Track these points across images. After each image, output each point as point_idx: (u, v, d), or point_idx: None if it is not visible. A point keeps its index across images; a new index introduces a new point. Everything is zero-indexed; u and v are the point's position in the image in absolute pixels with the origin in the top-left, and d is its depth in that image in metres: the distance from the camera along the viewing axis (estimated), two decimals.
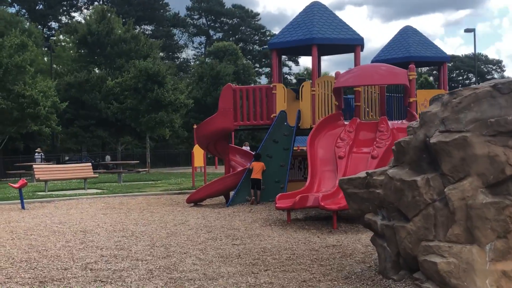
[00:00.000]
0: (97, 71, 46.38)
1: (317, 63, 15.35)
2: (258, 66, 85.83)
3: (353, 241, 8.98)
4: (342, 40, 15.07)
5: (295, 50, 16.24)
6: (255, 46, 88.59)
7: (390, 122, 13.17)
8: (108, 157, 44.74)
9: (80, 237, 9.95)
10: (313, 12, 15.53)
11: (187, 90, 40.29)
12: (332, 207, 10.84)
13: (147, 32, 68.82)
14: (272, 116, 15.62)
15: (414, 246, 5.63)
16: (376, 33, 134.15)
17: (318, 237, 9.62)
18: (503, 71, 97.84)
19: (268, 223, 11.61)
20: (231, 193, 16.53)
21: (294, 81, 69.52)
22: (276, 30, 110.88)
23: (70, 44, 51.54)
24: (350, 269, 7.00)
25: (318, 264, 7.34)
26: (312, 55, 15.18)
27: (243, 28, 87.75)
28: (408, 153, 5.86)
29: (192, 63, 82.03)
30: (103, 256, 8.10)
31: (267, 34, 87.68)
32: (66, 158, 46.61)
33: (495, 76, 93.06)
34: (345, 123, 13.79)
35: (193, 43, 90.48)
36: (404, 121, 13.57)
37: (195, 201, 15.84)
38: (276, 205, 11.56)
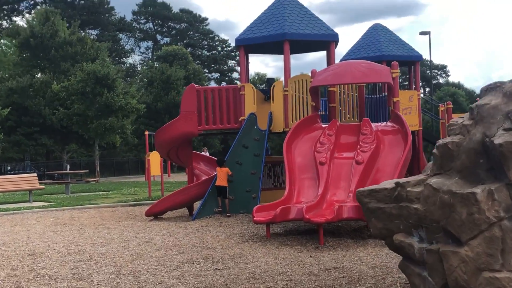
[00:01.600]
0: (40, 76, 43.91)
1: (289, 61, 14.10)
2: (207, 71, 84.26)
3: (355, 262, 7.70)
4: (316, 36, 13.87)
5: (264, 47, 14.96)
6: (203, 51, 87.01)
7: (373, 124, 12.02)
8: (67, 165, 42.12)
9: (29, 263, 8.34)
10: (284, 6, 14.28)
11: (138, 95, 38.39)
12: (318, 220, 9.57)
13: (92, 37, 66.36)
14: (240, 119, 14.28)
15: (471, 277, 4.37)
16: None
17: (311, 256, 8.31)
18: (448, 75, 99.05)
19: (244, 239, 10.26)
20: (195, 204, 15.12)
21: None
22: (224, 36, 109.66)
23: (12, 48, 48.86)
24: None
25: None
26: (284, 52, 13.92)
27: (191, 33, 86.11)
28: (459, 158, 4.61)
29: (139, 69, 79.86)
30: None
31: (215, 39, 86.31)
32: (8, 168, 43.99)
33: (440, 81, 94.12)
34: (323, 125, 12.57)
35: (139, 48, 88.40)
36: (388, 122, 12.44)
37: (156, 214, 14.34)
38: (254, 218, 10.22)
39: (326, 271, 7.14)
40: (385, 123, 12.64)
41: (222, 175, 13.37)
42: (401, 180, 5.10)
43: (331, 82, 12.41)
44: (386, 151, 11.48)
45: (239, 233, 10.96)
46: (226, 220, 12.65)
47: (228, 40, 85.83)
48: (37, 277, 7.29)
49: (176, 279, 6.98)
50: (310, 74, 12.96)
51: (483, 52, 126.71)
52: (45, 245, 10.00)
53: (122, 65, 78.25)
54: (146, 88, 51.97)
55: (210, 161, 16.35)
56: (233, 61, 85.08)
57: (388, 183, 5.32)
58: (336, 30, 14.48)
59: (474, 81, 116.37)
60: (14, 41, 46.12)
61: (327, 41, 14.24)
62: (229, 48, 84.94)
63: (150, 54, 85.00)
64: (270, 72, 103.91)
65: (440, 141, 4.83)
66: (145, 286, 6.66)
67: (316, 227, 10.72)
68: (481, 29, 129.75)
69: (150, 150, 28.85)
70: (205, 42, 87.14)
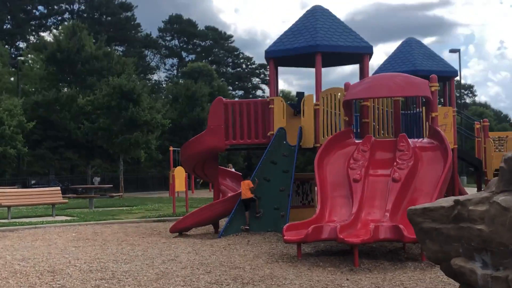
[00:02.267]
0: (66, 90, 43.98)
1: (320, 74, 13.61)
2: (231, 88, 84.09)
3: (397, 286, 7.11)
4: (349, 48, 13.36)
5: (294, 60, 14.48)
6: (228, 68, 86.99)
7: (410, 140, 11.45)
8: (96, 179, 41.90)
9: (48, 280, 7.89)
10: (316, 17, 13.81)
11: (163, 110, 38.14)
12: (354, 240, 9.00)
13: (118, 53, 66.72)
14: (269, 134, 13.78)
15: None
16: None
17: (347, 279, 7.73)
18: (475, 95, 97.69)
19: (274, 258, 9.71)
20: (221, 221, 14.63)
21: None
22: (248, 54, 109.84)
23: (39, 63, 49.15)
24: None
25: None
26: (316, 65, 13.43)
27: (216, 50, 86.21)
28: None
29: (164, 85, 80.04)
30: None
31: (240, 56, 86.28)
32: (33, 182, 43.94)
33: (467, 100, 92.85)
34: (357, 141, 12.02)
35: (165, 64, 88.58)
36: (426, 139, 11.85)
37: (180, 230, 13.87)
38: (285, 237, 9.68)
39: None
40: (422, 139, 12.06)
41: (245, 187, 12.88)
42: (461, 198, 4.55)
43: (366, 95, 11.89)
44: (425, 168, 10.89)
45: (267, 252, 10.42)
46: (253, 238, 12.11)
47: (252, 57, 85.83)
48: None
49: None
50: (343, 87, 12.45)
51: (507, 72, 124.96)
52: (66, 261, 9.56)
53: (147, 81, 78.56)
54: (171, 104, 51.80)
55: (236, 177, 15.84)
56: (258, 79, 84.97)
57: (445, 201, 4.77)
58: None
59: (500, 102, 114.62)
60: (41, 56, 46.37)
61: (360, 54, 13.71)
62: (253, 66, 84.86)
63: (175, 71, 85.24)
64: (293, 90, 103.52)
65: (510, 154, 4.28)
66: None
67: (350, 248, 10.19)
68: (505, 48, 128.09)
69: (174, 166, 28.50)
70: (229, 60, 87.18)
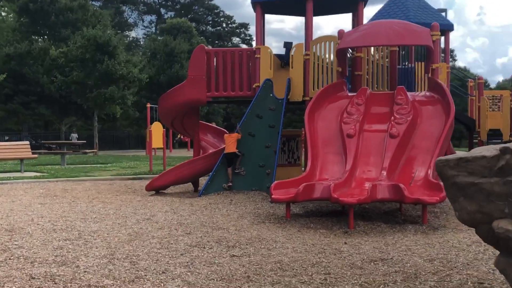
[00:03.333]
0: (39, 43, 42.14)
1: (311, 23, 12.56)
2: (211, 47, 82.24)
3: (404, 252, 6.24)
4: None
5: (283, 6, 13.38)
6: (208, 27, 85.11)
7: (409, 94, 10.53)
8: (74, 135, 40.23)
9: (4, 240, 6.89)
10: None
11: (140, 64, 36.64)
12: (349, 200, 8.13)
13: (94, 8, 64.49)
14: (254, 86, 12.77)
15: None
16: None
17: (346, 243, 6.86)
18: (455, 60, 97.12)
19: (260, 219, 8.83)
20: (201, 179, 13.73)
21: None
22: (229, 13, 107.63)
23: (11, 14, 47.06)
24: None
25: None
26: (306, 13, 12.37)
27: (196, 7, 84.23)
28: None
29: (142, 43, 78.08)
30: (33, 278, 5.11)
31: (220, 15, 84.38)
32: (6, 138, 42.52)
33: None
34: (351, 94, 11.08)
35: (143, 21, 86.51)
36: (426, 92, 10.92)
37: (157, 188, 12.94)
38: (272, 196, 8.77)
39: (372, 263, 5.70)
40: (423, 92, 11.15)
41: (230, 141, 11.94)
42: (511, 145, 3.63)
43: (362, 43, 10.88)
44: (425, 123, 10.01)
45: (253, 212, 9.53)
46: (237, 197, 11.20)
47: (233, 16, 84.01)
48: (9, 259, 5.84)
49: (185, 267, 5.54)
50: (336, 35, 11.42)
51: (486, 38, 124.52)
52: (28, 219, 8.55)
53: (125, 38, 76.44)
54: (148, 60, 50.24)
55: (219, 133, 14.88)
56: (238, 38, 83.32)
57: (487, 150, 3.85)
58: None
59: (478, 68, 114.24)
60: (12, 5, 44.29)
61: (354, 0, 12.66)
62: (234, 25, 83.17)
63: (154, 28, 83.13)
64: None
65: None
66: (145, 275, 5.22)
67: (342, 209, 9.36)
68: (484, 14, 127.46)
69: (152, 124, 27.38)
70: (209, 18, 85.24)
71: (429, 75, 11.04)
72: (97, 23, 38.65)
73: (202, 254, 6.09)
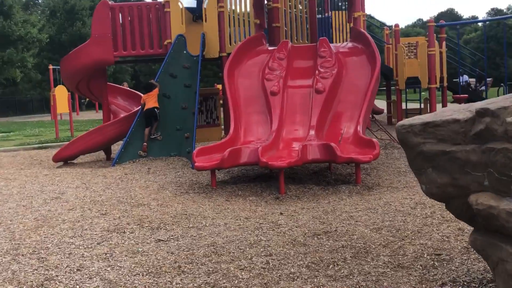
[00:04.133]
0: None
1: None
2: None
3: (348, 222, 5.70)
4: None
5: None
6: None
7: (332, 45, 9.97)
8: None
9: None
10: None
11: (40, 24, 34.22)
12: (279, 164, 7.54)
13: None
14: (166, 42, 11.83)
15: None
16: None
17: (281, 213, 6.26)
18: None
19: (183, 189, 8.12)
20: (114, 146, 12.80)
21: None
22: None
23: None
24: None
25: (332, 272, 4.04)
26: None
27: None
28: None
29: (40, 1, 73.68)
30: None
31: None
32: None
33: None
34: (271, 48, 10.40)
35: None
36: (349, 42, 10.39)
37: (66, 159, 11.92)
38: (196, 164, 8.04)
39: (316, 238, 5.12)
40: (346, 43, 10.61)
41: (152, 98, 11.09)
42: (490, 105, 3.06)
43: None
44: (350, 76, 9.52)
45: (174, 181, 8.78)
46: (155, 165, 10.39)
47: None
48: None
49: (103, 260, 4.75)
50: None
51: None
52: None
53: None
54: (48, 19, 47.38)
55: (130, 96, 13.87)
56: None
57: (457, 112, 3.28)
58: None
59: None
60: None
61: None
62: None
63: None
64: None
65: None
66: (56, 276, 4.39)
67: (270, 171, 8.77)
68: None
69: (55, 86, 25.71)
70: None
71: (351, 24, 10.51)
72: None
73: (123, 241, 5.31)
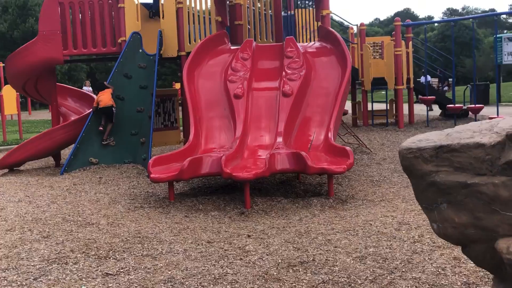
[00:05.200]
0: None
1: None
2: None
3: (324, 246, 5.01)
4: None
5: None
6: None
7: (299, 45, 9.29)
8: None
9: None
10: None
11: None
12: (245, 176, 6.81)
13: None
14: (120, 40, 10.99)
15: None
16: None
17: (249, 235, 5.54)
18: None
19: (138, 202, 7.35)
20: (65, 151, 11.89)
21: None
22: None
23: None
24: None
25: None
26: None
27: None
28: None
29: None
30: None
31: None
32: None
33: None
34: (234, 47, 9.67)
35: None
36: (317, 42, 9.72)
37: (11, 166, 10.98)
38: (151, 175, 7.25)
39: (291, 270, 4.40)
40: (313, 42, 9.95)
41: (107, 96, 10.27)
42: None
43: None
44: (319, 78, 8.87)
45: (128, 193, 7.99)
46: (107, 173, 9.55)
47: None
48: None
49: None
50: None
51: None
52: None
53: None
54: (0, 15, 45.56)
55: (82, 97, 12.93)
56: None
57: (482, 135, 2.61)
58: None
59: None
60: None
61: None
62: None
63: None
64: None
65: None
66: None
67: (233, 182, 8.02)
68: None
69: (6, 84, 24.42)
70: None
71: (319, 23, 9.86)
72: None
73: (64, 275, 4.49)
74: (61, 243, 5.43)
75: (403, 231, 5.26)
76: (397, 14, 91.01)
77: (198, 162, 7.34)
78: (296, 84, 8.52)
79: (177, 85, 29.79)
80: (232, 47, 9.64)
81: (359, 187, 7.79)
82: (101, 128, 10.29)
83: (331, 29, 9.53)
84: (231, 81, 8.75)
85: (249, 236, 5.49)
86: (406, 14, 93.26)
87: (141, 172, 9.53)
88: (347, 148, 7.37)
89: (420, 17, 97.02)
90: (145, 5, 11.58)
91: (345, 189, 7.67)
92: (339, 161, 7.25)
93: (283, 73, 8.73)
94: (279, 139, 7.91)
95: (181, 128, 12.54)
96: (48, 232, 5.88)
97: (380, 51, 15.85)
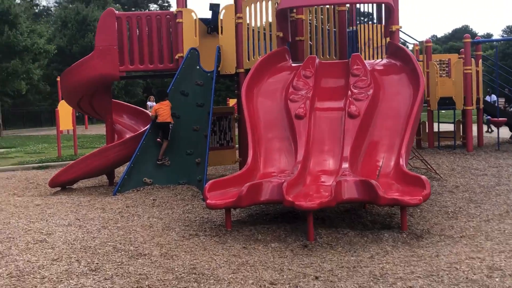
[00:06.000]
0: None
1: None
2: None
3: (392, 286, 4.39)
4: None
5: None
6: None
7: (366, 62, 8.68)
8: None
9: None
10: None
11: (47, 34, 32.99)
12: (309, 205, 6.22)
13: None
14: (177, 57, 10.61)
15: None
16: None
17: (316, 277, 4.93)
18: None
19: (192, 230, 6.87)
20: (119, 170, 11.59)
21: None
22: None
23: None
24: None
25: None
26: None
27: None
28: None
29: (53, 11, 73.23)
30: None
31: None
32: None
33: None
34: (295, 64, 9.12)
35: None
36: (385, 59, 9.08)
37: (63, 184, 10.71)
38: (208, 201, 6.75)
39: None
40: (381, 60, 9.31)
41: (166, 110, 9.87)
42: None
43: (309, 2, 8.88)
44: (388, 99, 8.20)
45: (182, 219, 7.51)
46: (161, 195, 9.12)
47: None
48: None
49: None
50: None
51: None
52: None
53: (34, 7, 71.30)
54: (59, 30, 46.53)
55: (137, 114, 12.61)
56: (155, 5, 79.80)
57: None
58: None
59: None
60: None
61: None
62: None
63: None
64: None
65: None
66: None
67: (293, 209, 7.40)
68: None
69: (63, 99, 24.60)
70: None
71: (388, 39, 9.21)
72: None
73: None
74: (110, 278, 4.96)
75: (496, 279, 4.56)
76: (455, 31, 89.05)
77: (257, 188, 6.79)
78: (363, 104, 7.89)
79: (232, 101, 29.55)
80: (293, 64, 9.10)
81: (433, 220, 7.10)
82: (159, 140, 9.92)
83: (401, 45, 8.87)
84: (292, 100, 8.19)
85: (316, 278, 4.90)
86: (464, 31, 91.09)
87: (196, 194, 9.07)
88: (423, 177, 6.68)
89: (479, 34, 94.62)
90: (203, 20, 11.17)
91: (418, 222, 7.00)
92: (413, 191, 6.57)
93: (349, 92, 8.12)
94: (345, 165, 7.28)
95: (237, 145, 12.08)
96: (97, 264, 5.43)
97: (447, 69, 15.07)
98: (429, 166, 10.40)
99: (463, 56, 14.50)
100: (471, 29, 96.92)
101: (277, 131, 8.20)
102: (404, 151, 7.34)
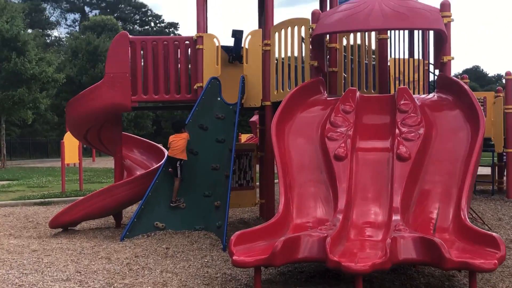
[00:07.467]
0: None
1: (272, 4, 9.47)
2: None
3: None
4: None
5: None
6: (135, 26, 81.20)
7: (415, 96, 7.59)
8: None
9: None
10: None
11: (56, 62, 32.08)
12: (359, 267, 5.08)
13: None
14: (196, 86, 9.57)
15: None
16: None
17: None
18: None
19: None
20: (128, 210, 10.50)
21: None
22: (157, 12, 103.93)
23: None
24: None
25: None
26: None
27: (123, 6, 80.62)
28: None
29: (64, 42, 73.27)
30: None
31: (148, 14, 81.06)
32: None
33: None
34: (330, 98, 8.06)
35: (66, 20, 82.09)
36: (436, 93, 7.99)
37: (65, 224, 9.61)
38: (234, 257, 5.60)
39: None
40: (431, 94, 8.22)
41: (180, 144, 8.77)
42: None
43: (348, 27, 7.79)
44: (441, 138, 7.08)
45: (201, 275, 6.36)
46: (174, 242, 7.99)
47: (162, 15, 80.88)
48: None
49: None
50: (310, 17, 8.33)
51: None
52: None
53: (46, 38, 71.23)
54: (70, 60, 45.94)
55: (149, 148, 11.54)
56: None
57: None
58: None
59: None
60: None
61: None
62: (162, 25, 79.85)
63: (78, 27, 78.57)
64: None
65: None
66: None
67: (336, 269, 6.24)
68: None
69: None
70: (137, 17, 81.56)
71: (439, 70, 8.14)
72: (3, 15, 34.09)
73: None
74: None
75: None
76: (466, 71, 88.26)
77: (294, 243, 5.65)
78: (414, 145, 6.78)
79: (244, 137, 28.41)
80: (330, 98, 8.03)
81: (500, 284, 5.92)
82: (171, 169, 8.83)
83: (455, 78, 7.81)
84: (330, 139, 7.09)
85: None
86: (475, 71, 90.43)
87: (215, 243, 7.93)
88: (495, 234, 5.52)
89: (489, 75, 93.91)
90: (224, 48, 10.16)
91: (482, 286, 5.82)
92: (480, 250, 5.42)
93: (396, 130, 7.01)
94: (396, 217, 6.14)
95: (258, 182, 11.00)
96: None
97: (482, 107, 13.97)
98: (477, 216, 9.24)
99: (500, 94, 13.46)
100: (482, 70, 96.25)
101: (312, 174, 7.09)
102: (465, 201, 6.20)
